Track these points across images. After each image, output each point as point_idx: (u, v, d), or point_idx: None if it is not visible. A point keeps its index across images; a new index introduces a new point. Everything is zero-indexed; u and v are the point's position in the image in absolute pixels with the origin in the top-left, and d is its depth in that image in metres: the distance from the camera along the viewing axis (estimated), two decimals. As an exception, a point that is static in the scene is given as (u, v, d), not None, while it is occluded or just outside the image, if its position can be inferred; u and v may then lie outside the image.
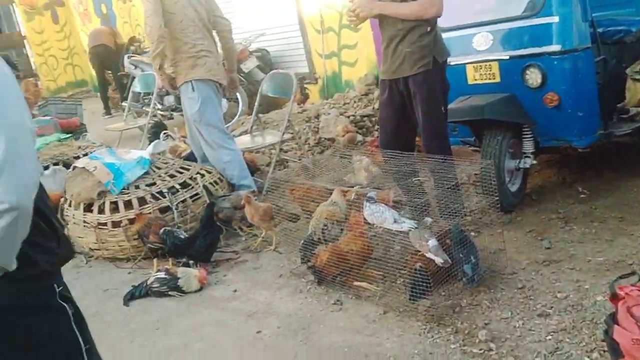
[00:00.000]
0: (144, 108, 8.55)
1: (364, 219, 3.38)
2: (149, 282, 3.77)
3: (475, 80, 4.09)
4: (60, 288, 1.65)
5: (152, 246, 4.05)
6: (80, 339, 1.68)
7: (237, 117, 7.85)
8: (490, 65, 4.01)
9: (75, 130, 7.54)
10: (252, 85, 8.04)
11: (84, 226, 4.38)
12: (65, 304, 1.65)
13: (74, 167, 4.68)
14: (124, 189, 4.37)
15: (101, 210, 4.33)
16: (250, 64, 8.30)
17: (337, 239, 3.50)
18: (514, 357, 2.60)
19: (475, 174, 4.08)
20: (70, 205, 4.51)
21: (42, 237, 1.55)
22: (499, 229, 3.62)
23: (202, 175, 4.68)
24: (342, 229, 3.55)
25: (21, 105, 1.47)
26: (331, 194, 3.76)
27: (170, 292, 3.71)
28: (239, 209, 4.31)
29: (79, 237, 4.46)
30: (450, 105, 3.84)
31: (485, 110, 3.76)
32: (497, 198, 3.33)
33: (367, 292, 3.33)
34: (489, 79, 4.03)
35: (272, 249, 4.15)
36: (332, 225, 3.57)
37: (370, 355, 2.81)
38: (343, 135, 5.96)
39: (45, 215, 1.56)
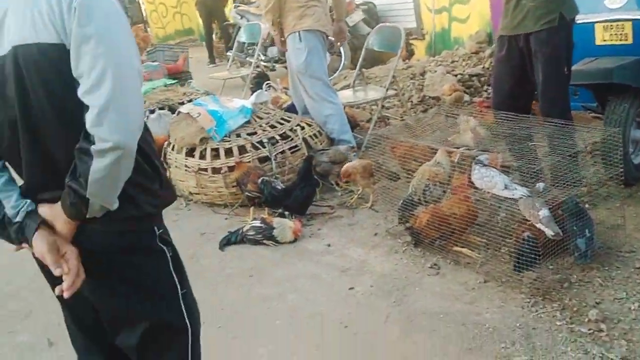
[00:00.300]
0: (247, 58, 8.61)
1: (469, 181, 3.21)
2: (244, 229, 3.80)
3: (604, 41, 3.80)
4: (161, 231, 1.64)
5: (250, 194, 4.06)
6: (178, 283, 1.67)
7: (339, 71, 7.73)
8: (622, 25, 3.71)
9: (181, 76, 7.69)
10: (357, 39, 7.87)
11: (185, 170, 4.47)
12: (164, 247, 1.63)
13: (179, 113, 4.77)
14: (225, 136, 4.40)
15: (202, 156, 4.39)
16: (356, 17, 8.11)
17: (439, 201, 3.36)
18: (627, 341, 2.42)
19: (595, 143, 3.78)
20: (173, 149, 4.61)
21: (145, 178, 1.53)
22: (618, 203, 3.36)
23: (302, 128, 4.64)
24: (444, 191, 3.40)
25: (131, 45, 1.44)
26: (435, 153, 3.60)
27: (265, 241, 3.73)
28: (337, 164, 4.25)
29: (180, 181, 4.57)
30: (574, 67, 3.57)
31: (614, 73, 3.47)
32: (621, 169, 3.06)
33: (467, 258, 3.19)
34: (620, 40, 3.74)
35: (367, 206, 4.07)
36: (434, 186, 3.42)
37: (468, 324, 2.69)
38: (449, 95, 5.71)
39: (149, 157, 1.54)
